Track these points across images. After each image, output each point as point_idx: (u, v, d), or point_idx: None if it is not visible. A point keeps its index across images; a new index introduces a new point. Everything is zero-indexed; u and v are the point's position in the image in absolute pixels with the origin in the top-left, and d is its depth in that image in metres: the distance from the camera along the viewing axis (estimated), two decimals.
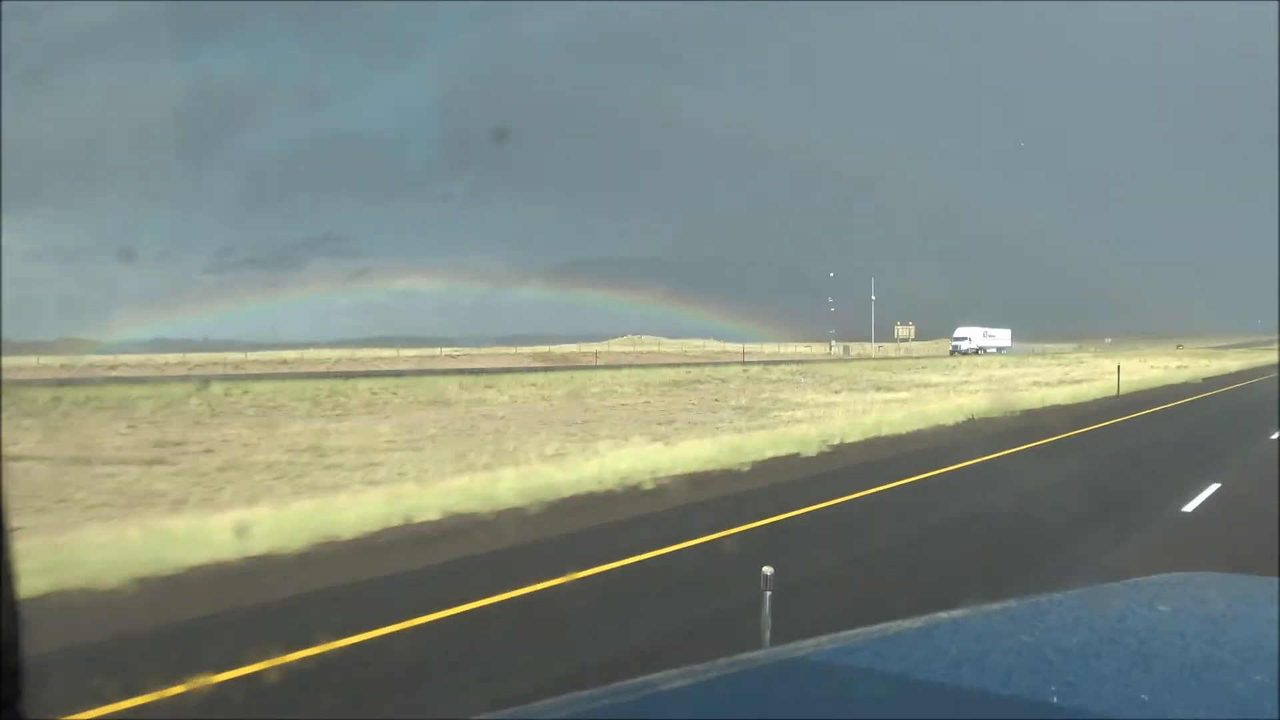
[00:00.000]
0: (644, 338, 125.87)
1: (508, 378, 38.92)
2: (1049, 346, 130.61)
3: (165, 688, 5.28)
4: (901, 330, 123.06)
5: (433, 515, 9.73)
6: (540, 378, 39.03)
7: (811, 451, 15.36)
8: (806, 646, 1.80)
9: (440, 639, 6.49)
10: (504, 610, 7.07)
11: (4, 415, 22.72)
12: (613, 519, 10.55)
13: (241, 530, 8.31)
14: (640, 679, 1.63)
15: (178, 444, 19.03)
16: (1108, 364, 67.03)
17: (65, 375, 46.49)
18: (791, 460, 15.11)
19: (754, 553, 8.62)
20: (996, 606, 2.14)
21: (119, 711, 5.16)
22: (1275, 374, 50.80)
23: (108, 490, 13.27)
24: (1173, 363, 75.27)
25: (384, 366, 55.09)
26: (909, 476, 13.86)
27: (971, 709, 1.46)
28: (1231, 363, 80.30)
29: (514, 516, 10.32)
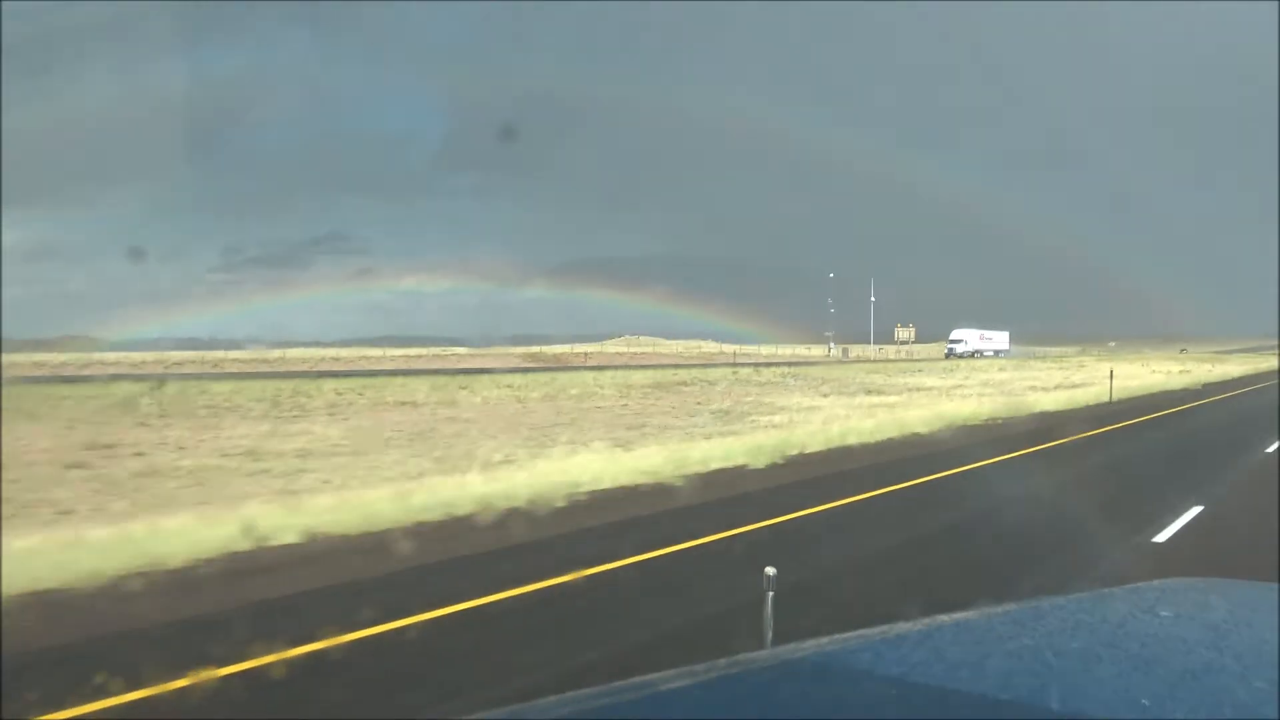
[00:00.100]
0: (641, 338, 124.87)
1: (487, 379, 37.90)
2: (1052, 350, 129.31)
3: None
4: (902, 332, 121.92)
5: (291, 537, 8.70)
6: (521, 379, 38.02)
7: (761, 463, 14.26)
8: (808, 648, 1.81)
9: None
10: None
11: None
12: (454, 553, 8.98)
13: (33, 554, 7.27)
14: (641, 678, 1.62)
15: (109, 446, 18.03)
16: (1110, 365, 65.99)
17: (41, 373, 45.56)
18: (732, 474, 13.95)
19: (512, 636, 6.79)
20: (998, 609, 2.14)
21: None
22: (1276, 380, 49.53)
23: None
24: (1175, 367, 74.07)
25: (368, 366, 54.13)
26: (845, 497, 12.32)
27: (971, 712, 1.46)
28: (1235, 368, 79.19)
29: (360, 545, 9.10)
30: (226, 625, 6.73)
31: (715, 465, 13.85)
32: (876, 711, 1.51)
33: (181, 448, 18.61)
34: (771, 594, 3.19)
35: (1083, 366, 78.11)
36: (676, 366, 59.10)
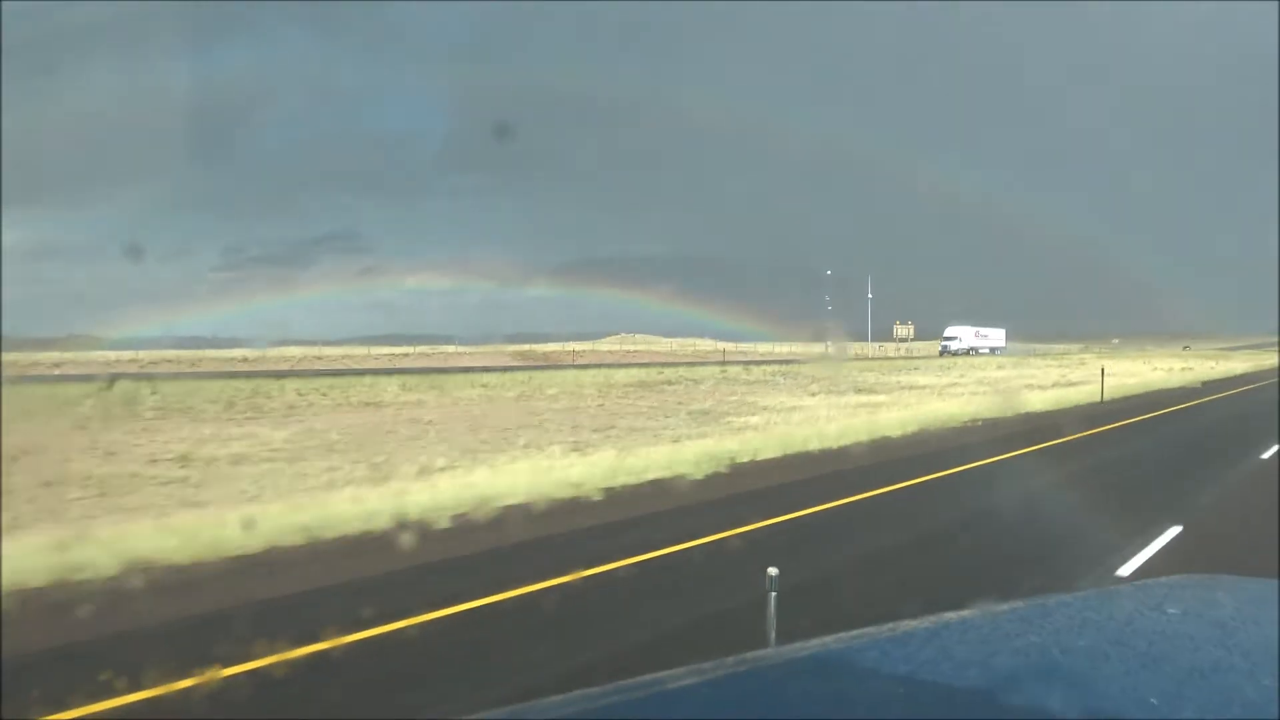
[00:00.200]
0: (637, 336, 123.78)
1: (463, 378, 36.88)
2: (1055, 347, 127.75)
3: None
4: (901, 330, 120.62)
5: (109, 568, 7.63)
6: (500, 378, 37.00)
7: (701, 473, 13.15)
8: (812, 646, 1.81)
9: None
10: None
11: None
12: (243, 598, 7.51)
13: None
14: (648, 677, 1.61)
15: (28, 453, 17.00)
16: (1110, 364, 64.78)
17: (33, 373, 44.63)
18: (661, 487, 12.74)
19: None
20: (1004, 607, 2.12)
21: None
22: (1277, 379, 48.30)
23: None
24: (1177, 365, 72.87)
25: (352, 365, 53.10)
26: (750, 523, 10.48)
27: (978, 710, 1.45)
28: (1238, 365, 77.96)
29: (160, 582, 7.77)
30: None
31: (652, 475, 12.77)
32: (883, 709, 1.49)
33: (111, 453, 17.60)
34: (774, 594, 3.16)
35: (1083, 364, 76.86)
36: (664, 365, 58.02)
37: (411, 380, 33.22)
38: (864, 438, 17.60)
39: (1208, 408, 32.49)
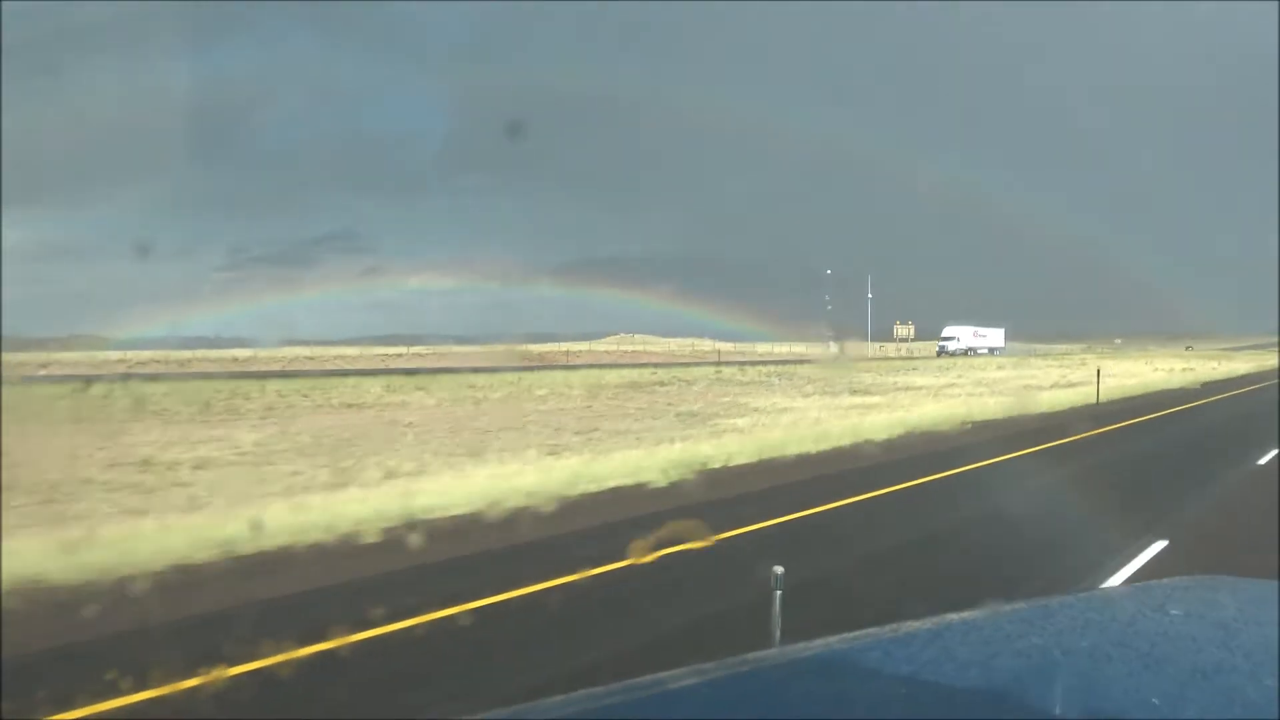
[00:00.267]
0: (636, 336, 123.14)
1: (451, 378, 36.38)
2: (1056, 347, 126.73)
3: None
4: (901, 330, 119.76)
5: None
6: (489, 379, 36.49)
7: (665, 480, 12.59)
8: (816, 646, 1.80)
9: None
10: None
11: None
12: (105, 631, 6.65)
13: None
14: (651, 677, 1.60)
15: None
16: (1111, 365, 64.15)
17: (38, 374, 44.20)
18: (617, 497, 12.06)
19: None
20: (1006, 608, 2.12)
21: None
22: (1277, 379, 47.62)
23: None
24: (1179, 365, 72.25)
25: (344, 365, 52.64)
26: (698, 540, 9.48)
27: (980, 711, 1.45)
28: (1240, 365, 77.29)
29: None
30: None
31: (614, 483, 12.23)
32: (885, 710, 1.49)
33: (73, 456, 17.11)
34: (779, 592, 3.10)
35: (1084, 364, 76.21)
36: (660, 366, 57.46)
37: (398, 381, 32.73)
38: (845, 442, 17.05)
39: (1205, 409, 31.91)
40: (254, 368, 49.13)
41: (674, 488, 12.42)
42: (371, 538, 9.33)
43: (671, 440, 19.36)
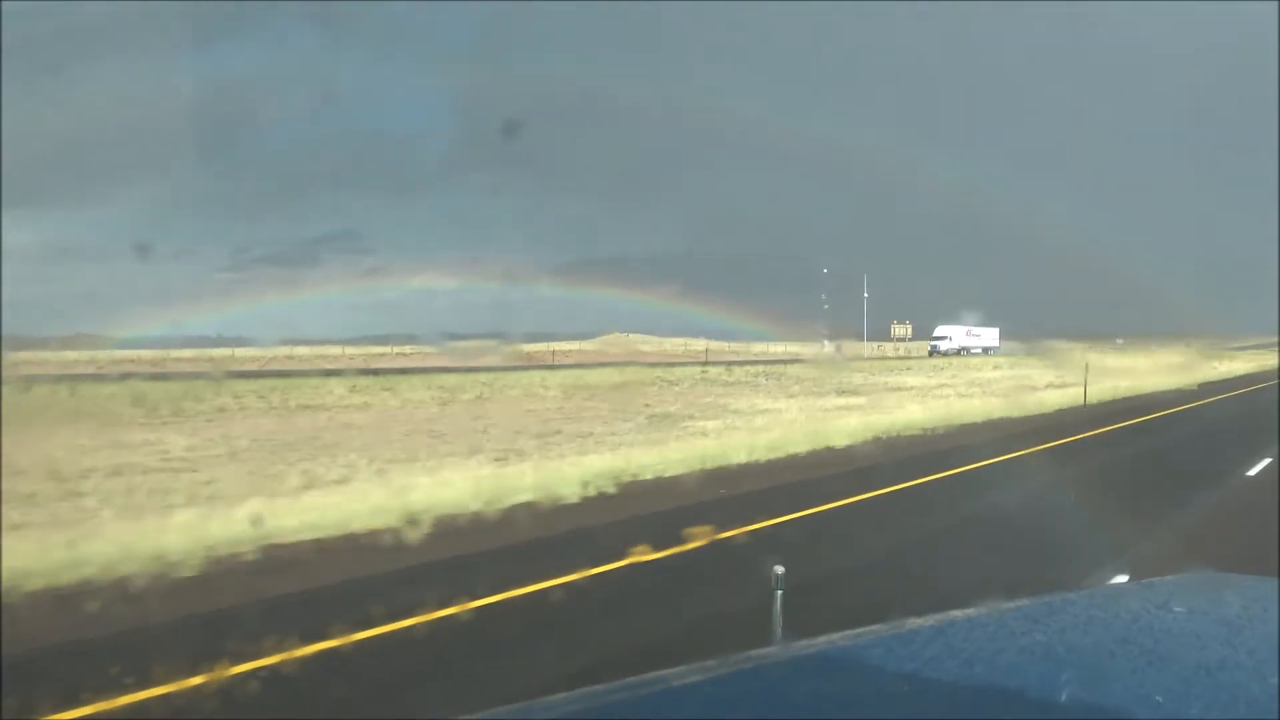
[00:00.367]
0: (632, 335, 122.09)
1: (427, 378, 35.40)
2: (1059, 346, 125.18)
3: None
4: (899, 329, 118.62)
5: None
6: (462, 379, 35.50)
7: (575, 498, 11.47)
8: (819, 643, 1.81)
9: None
10: None
11: None
12: None
13: None
14: (654, 674, 1.60)
15: None
16: (1112, 363, 62.99)
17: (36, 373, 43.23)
18: (508, 518, 10.84)
19: None
20: (1010, 605, 2.10)
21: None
22: (1277, 380, 46.49)
23: None
24: (1179, 363, 71.12)
25: (325, 364, 51.69)
26: (542, 580, 8.19)
27: (984, 708, 1.45)
28: (1242, 365, 76.14)
29: None
30: None
31: (525, 497, 11.16)
32: (889, 707, 1.49)
33: None
34: (780, 591, 3.11)
35: (1084, 363, 75.10)
36: (650, 365, 56.51)
37: (365, 381, 31.74)
38: (801, 450, 16.00)
39: (1195, 413, 30.83)
40: (247, 367, 48.28)
41: (579, 505, 11.28)
42: (190, 571, 8.20)
43: (627, 445, 18.39)
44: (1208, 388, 43.71)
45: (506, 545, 9.71)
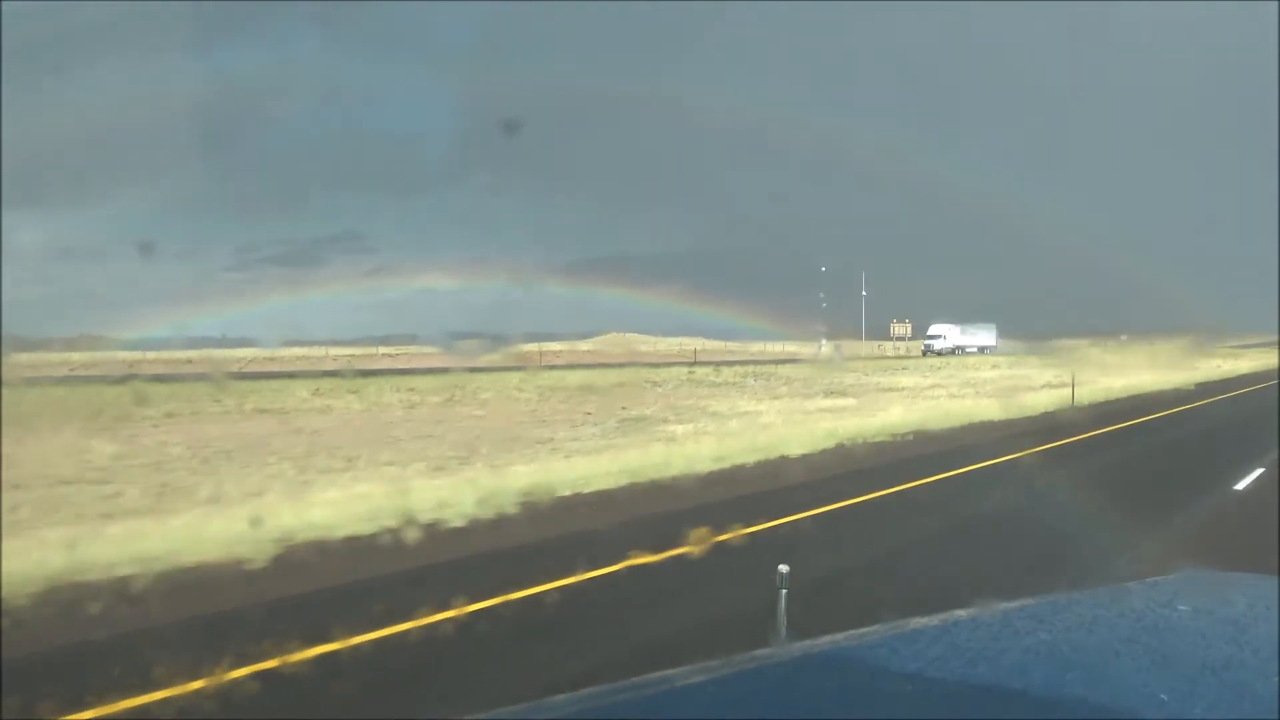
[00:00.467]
0: (628, 335, 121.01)
1: (392, 381, 34.45)
2: (1062, 344, 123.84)
3: None
4: (898, 328, 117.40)
5: None
6: (434, 381, 34.53)
7: (461, 522, 10.27)
8: (823, 643, 1.80)
9: None
10: None
11: None
12: None
13: None
14: (657, 674, 1.60)
15: None
16: (1114, 361, 61.85)
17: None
18: (375, 546, 9.62)
19: None
20: (1014, 605, 2.09)
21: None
22: (1277, 381, 45.29)
23: None
24: (1181, 361, 70.00)
25: (305, 366, 50.80)
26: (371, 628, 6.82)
27: (987, 708, 1.44)
28: (1246, 363, 74.94)
29: None
30: None
31: (430, 516, 10.07)
32: (893, 706, 1.48)
33: None
34: (785, 591, 2.99)
35: (1084, 362, 74.02)
36: (640, 366, 55.53)
37: (329, 385, 30.76)
38: (753, 459, 14.86)
39: (1188, 416, 29.70)
40: (206, 370, 47.36)
41: (464, 529, 10.04)
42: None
43: (584, 453, 17.40)
44: (1207, 387, 42.62)
45: (284, 596, 8.06)
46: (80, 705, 5.46)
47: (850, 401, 34.64)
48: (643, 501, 12.25)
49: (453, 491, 11.18)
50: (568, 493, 11.93)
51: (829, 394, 39.20)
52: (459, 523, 9.99)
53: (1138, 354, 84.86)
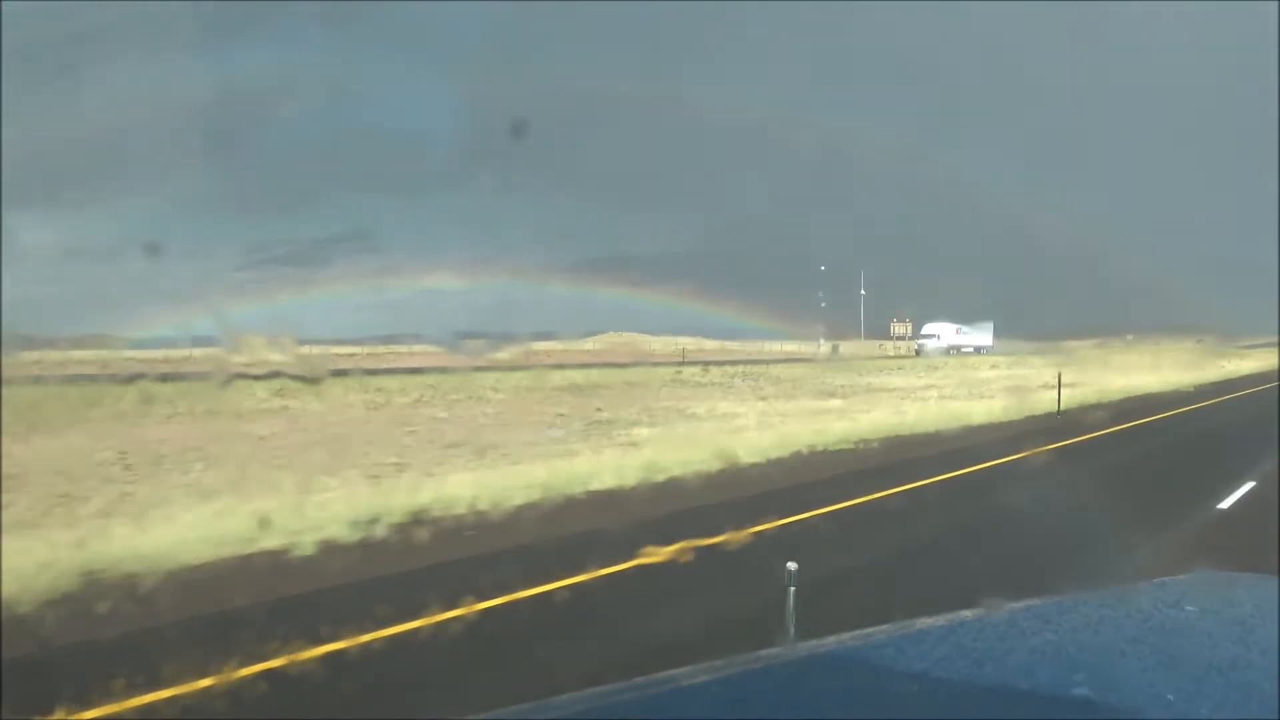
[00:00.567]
0: (627, 334, 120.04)
1: (360, 381, 33.47)
2: (1066, 344, 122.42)
3: None
4: (899, 328, 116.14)
5: None
6: (404, 381, 33.58)
7: (310, 549, 9.06)
8: (830, 643, 1.79)
9: None
10: None
11: None
12: None
13: None
14: (663, 674, 1.58)
15: None
16: (1116, 360, 60.73)
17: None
18: (210, 577, 8.39)
19: None
20: (1020, 605, 2.08)
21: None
22: (1277, 382, 44.11)
23: None
24: (1183, 362, 68.85)
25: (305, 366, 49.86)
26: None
27: (995, 708, 1.43)
28: (1250, 364, 73.72)
29: None
30: None
31: (314, 537, 8.98)
32: (899, 707, 1.47)
33: None
34: (793, 589, 3.04)
35: (1084, 362, 72.82)
36: (628, 365, 54.58)
37: (293, 385, 29.71)
38: (686, 471, 13.56)
39: (1184, 420, 28.59)
40: (186, 369, 46.38)
41: (308, 559, 8.79)
42: None
43: (531, 459, 16.37)
44: (1210, 388, 41.53)
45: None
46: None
47: (837, 403, 33.68)
48: (521, 528, 10.50)
49: (347, 507, 10.13)
50: (462, 510, 10.79)
51: (817, 395, 38.29)
52: (308, 550, 8.85)
53: (1142, 354, 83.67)
